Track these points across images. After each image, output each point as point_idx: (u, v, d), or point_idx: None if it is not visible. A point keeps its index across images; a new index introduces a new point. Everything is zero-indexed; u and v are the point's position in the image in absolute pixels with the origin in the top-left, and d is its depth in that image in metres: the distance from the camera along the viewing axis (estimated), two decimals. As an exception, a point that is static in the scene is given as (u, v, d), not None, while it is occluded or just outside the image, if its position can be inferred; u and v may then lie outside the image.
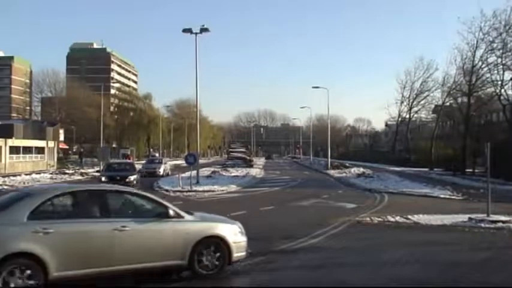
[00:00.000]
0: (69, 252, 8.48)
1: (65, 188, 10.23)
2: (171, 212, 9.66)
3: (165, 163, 51.99)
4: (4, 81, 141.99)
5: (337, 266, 11.29)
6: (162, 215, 9.59)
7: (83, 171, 50.73)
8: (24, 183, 36.12)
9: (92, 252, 8.71)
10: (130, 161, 51.68)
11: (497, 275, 10.40)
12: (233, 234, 10.20)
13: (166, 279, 9.70)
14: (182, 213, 9.93)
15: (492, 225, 16.39)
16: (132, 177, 29.58)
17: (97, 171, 42.99)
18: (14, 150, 55.11)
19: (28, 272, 8.02)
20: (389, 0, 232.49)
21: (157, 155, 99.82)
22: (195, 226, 9.95)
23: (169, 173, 47.42)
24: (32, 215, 8.42)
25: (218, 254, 9.84)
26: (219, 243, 9.91)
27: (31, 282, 8.00)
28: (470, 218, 17.32)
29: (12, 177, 39.27)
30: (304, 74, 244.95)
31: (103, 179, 29.07)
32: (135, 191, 11.01)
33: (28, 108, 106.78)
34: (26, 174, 43.33)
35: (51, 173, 46.45)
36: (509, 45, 46.94)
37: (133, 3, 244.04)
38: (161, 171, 45.38)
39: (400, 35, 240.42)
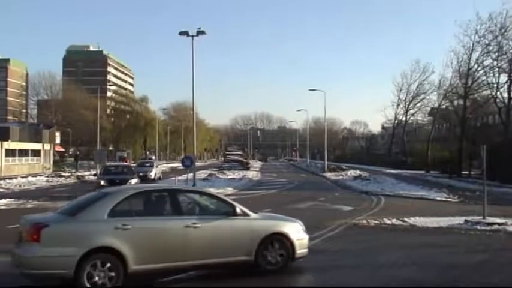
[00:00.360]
0: (146, 247, 9.07)
1: (140, 188, 11.23)
2: (238, 210, 10.23)
3: (157, 166, 49.00)
4: (0, 83, 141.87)
5: (335, 268, 11.31)
6: (230, 213, 10.17)
7: (79, 174, 50.63)
8: (20, 186, 36.10)
9: (166, 247, 9.30)
10: (128, 163, 49.84)
11: (494, 276, 10.42)
12: (296, 231, 10.66)
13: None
14: (248, 212, 10.46)
15: (488, 228, 16.43)
16: (132, 181, 27.91)
17: (94, 174, 42.58)
18: (10, 153, 54.95)
19: (108, 265, 8.62)
20: (386, 3, 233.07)
21: (153, 157, 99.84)
22: (260, 224, 10.47)
23: (161, 176, 45.83)
24: (111, 213, 9.11)
25: (282, 251, 10.28)
26: (283, 240, 10.34)
27: (112, 274, 8.61)
28: (466, 221, 17.35)
29: (8, 180, 39.18)
30: (300, 76, 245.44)
31: (102, 182, 27.52)
32: (203, 190, 12.05)
33: (24, 110, 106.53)
34: (22, 177, 43.21)
35: (47, 176, 46.36)
36: (504, 48, 47.25)
37: (129, 6, 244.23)
38: (152, 174, 42.99)
39: (397, 38, 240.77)
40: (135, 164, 52.30)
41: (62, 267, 8.43)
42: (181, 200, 10.11)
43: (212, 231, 9.80)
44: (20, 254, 8.69)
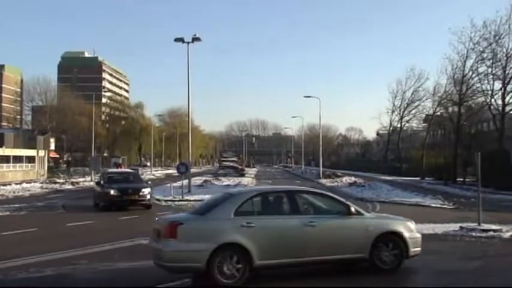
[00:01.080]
0: (268, 243, 9.78)
1: (260, 190, 12.03)
2: (352, 210, 10.70)
3: (142, 174, 43.76)
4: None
5: (331, 274, 11.25)
6: (344, 212, 10.65)
7: (73, 180, 50.45)
8: (14, 192, 35.94)
9: (286, 244, 9.97)
10: (132, 170, 42.26)
11: (489, 282, 10.43)
12: (409, 230, 11.03)
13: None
14: (362, 211, 11.02)
15: (483, 234, 16.43)
16: (146, 191, 25.05)
17: (97, 183, 41.14)
18: (4, 159, 54.79)
19: (236, 258, 9.45)
20: (381, 11, 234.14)
21: (148, 163, 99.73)
22: (374, 222, 10.88)
23: None
24: (237, 212, 9.95)
25: (396, 249, 10.63)
26: (396, 239, 10.71)
27: (239, 266, 9.43)
28: (461, 227, 17.35)
29: (2, 187, 38.99)
30: (296, 83, 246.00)
31: (112, 192, 24.21)
32: (319, 191, 12.27)
33: (19, 117, 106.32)
34: (16, 184, 43.03)
35: (41, 183, 46.19)
36: (499, 55, 47.30)
37: (125, 13, 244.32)
38: None
39: (392, 45, 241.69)
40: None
41: (195, 260, 9.37)
42: (298, 200, 10.72)
43: (328, 229, 10.35)
44: (160, 249, 9.64)
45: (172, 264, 9.53)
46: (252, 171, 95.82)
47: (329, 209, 10.81)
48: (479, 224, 17.33)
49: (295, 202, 10.58)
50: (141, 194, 24.87)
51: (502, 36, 46.66)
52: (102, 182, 26.35)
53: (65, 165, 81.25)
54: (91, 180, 50.58)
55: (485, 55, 48.81)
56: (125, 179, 27.47)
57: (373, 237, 10.46)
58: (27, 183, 44.89)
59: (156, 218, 11.06)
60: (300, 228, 10.06)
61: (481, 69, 49.81)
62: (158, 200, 30.25)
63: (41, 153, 63.55)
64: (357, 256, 10.49)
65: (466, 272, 11.34)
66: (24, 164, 59.10)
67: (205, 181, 47.60)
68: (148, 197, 24.94)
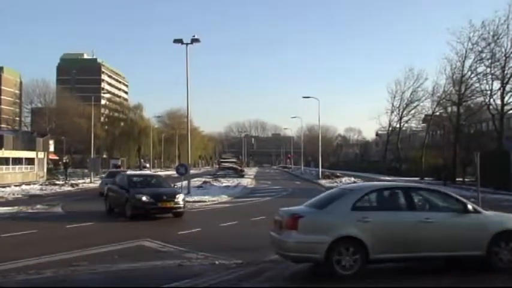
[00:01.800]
0: (384, 238, 10.14)
1: (377, 186, 12.23)
2: (469, 207, 10.83)
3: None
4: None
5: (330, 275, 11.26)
6: (460, 210, 10.80)
7: (73, 182, 50.38)
8: (13, 194, 35.90)
9: (402, 239, 10.26)
10: (155, 173, 38.96)
11: (490, 282, 10.44)
12: None
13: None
14: (479, 209, 11.16)
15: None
16: (180, 197, 22.10)
17: (91, 182, 40.55)
18: (4, 161, 54.70)
19: (352, 251, 9.90)
20: (380, 11, 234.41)
21: (148, 165, 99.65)
22: (492, 220, 10.91)
23: None
24: (354, 207, 10.39)
25: None
26: None
27: (356, 256, 9.88)
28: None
29: (1, 189, 38.96)
30: (295, 84, 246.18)
31: (144, 198, 20.89)
32: (435, 188, 12.45)
33: (18, 118, 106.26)
34: (16, 186, 43.01)
35: (40, 184, 46.14)
36: (497, 55, 47.35)
37: (124, 14, 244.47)
38: None
39: (392, 45, 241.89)
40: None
41: (314, 251, 9.95)
42: (414, 196, 10.98)
43: (445, 226, 10.48)
44: (281, 239, 10.37)
45: (293, 254, 10.26)
46: (251, 172, 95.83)
47: (445, 206, 11.01)
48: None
49: (411, 198, 10.85)
50: (176, 200, 21.59)
51: (500, 36, 46.77)
52: (123, 185, 22.85)
53: (62, 167, 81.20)
54: (90, 182, 50.60)
55: (484, 55, 48.91)
56: (151, 183, 23.97)
57: (491, 235, 10.47)
58: (26, 185, 44.83)
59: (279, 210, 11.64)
60: (416, 224, 10.30)
61: (479, 69, 49.93)
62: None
63: (40, 155, 63.48)
64: (472, 253, 10.55)
65: (467, 271, 11.33)
66: (23, 166, 58.99)
67: (204, 182, 47.61)
68: (182, 203, 21.85)
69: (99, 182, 41.25)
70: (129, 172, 31.19)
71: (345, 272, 9.83)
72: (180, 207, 21.63)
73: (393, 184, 12.32)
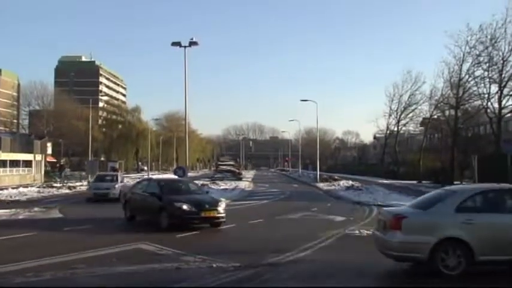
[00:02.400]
0: (489, 240, 10.27)
1: (481, 188, 12.33)
2: None
3: (122, 180, 36.91)
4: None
5: (328, 277, 11.27)
6: None
7: (70, 184, 50.31)
8: (11, 197, 35.84)
9: (507, 241, 10.32)
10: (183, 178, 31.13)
11: (490, 284, 10.48)
12: None
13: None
14: None
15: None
16: (222, 205, 19.45)
17: (88, 186, 37.82)
18: (1, 163, 54.72)
19: (457, 252, 10.17)
20: (378, 14, 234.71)
21: (145, 168, 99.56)
22: None
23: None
24: (458, 208, 10.56)
25: None
26: None
27: (460, 258, 10.14)
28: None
29: (-1, 191, 38.93)
30: (293, 87, 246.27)
31: (185, 207, 18.19)
32: None
33: (15, 121, 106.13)
34: (13, 188, 42.96)
35: (38, 187, 46.07)
36: (495, 59, 47.46)
37: (122, 16, 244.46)
38: (116, 192, 32.86)
39: (389, 49, 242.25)
40: (126, 175, 50.54)
41: (418, 251, 10.29)
42: None
43: None
44: (385, 239, 10.78)
45: (397, 254, 10.61)
46: (249, 174, 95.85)
47: None
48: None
49: None
50: (218, 209, 18.90)
51: (498, 40, 46.90)
52: (153, 191, 20.14)
53: (57, 170, 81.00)
54: (88, 185, 50.43)
55: (481, 59, 49.01)
56: (183, 189, 21.30)
57: None
58: (24, 187, 44.79)
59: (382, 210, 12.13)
60: None
61: (477, 73, 50.04)
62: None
63: (38, 157, 63.47)
64: None
65: (466, 275, 11.34)
66: (21, 169, 59.02)
67: (202, 185, 47.54)
68: (224, 213, 19.10)
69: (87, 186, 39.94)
70: (156, 177, 26.57)
71: (450, 272, 10.13)
72: (222, 217, 18.85)
73: (498, 186, 12.19)
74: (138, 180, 25.80)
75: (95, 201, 32.08)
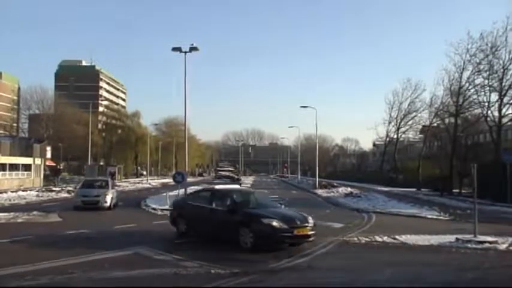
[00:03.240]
0: None
1: None
2: None
3: (113, 187, 33.14)
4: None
5: (326, 284, 11.26)
6: None
7: (69, 189, 50.17)
8: (10, 200, 35.82)
9: None
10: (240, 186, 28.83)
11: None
12: None
13: None
14: None
15: (479, 246, 16.43)
16: (311, 220, 16.26)
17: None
18: (1, 167, 54.72)
19: None
20: (378, 21, 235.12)
21: (144, 172, 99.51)
22: None
23: (117, 202, 32.27)
24: None
25: None
26: None
27: None
28: (457, 239, 17.36)
29: (-3, 195, 38.90)
30: (292, 93, 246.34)
31: (274, 223, 15.14)
32: None
33: (15, 125, 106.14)
34: (12, 192, 42.92)
35: (37, 191, 46.01)
36: (495, 67, 47.58)
37: (122, 22, 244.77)
38: (108, 201, 29.84)
39: (390, 56, 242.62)
40: (126, 179, 50.25)
41: None
42: None
43: None
44: None
45: None
46: (248, 180, 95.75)
47: None
48: (475, 236, 17.33)
49: None
50: (310, 225, 16.01)
51: (498, 48, 47.07)
52: (221, 203, 17.26)
53: (65, 174, 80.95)
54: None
55: (482, 67, 49.15)
56: (259, 202, 18.21)
57: None
58: (23, 191, 44.75)
59: None
60: None
61: (477, 81, 50.19)
62: (154, 209, 30.27)
63: (38, 161, 63.44)
64: None
65: (461, 284, 11.33)
66: (20, 172, 59.01)
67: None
68: (314, 230, 16.17)
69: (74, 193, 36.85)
70: (221, 187, 20.79)
71: None
72: (314, 235, 16.01)
73: None
74: (195, 189, 22.55)
75: (83, 209, 28.82)
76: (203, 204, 17.82)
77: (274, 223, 15.16)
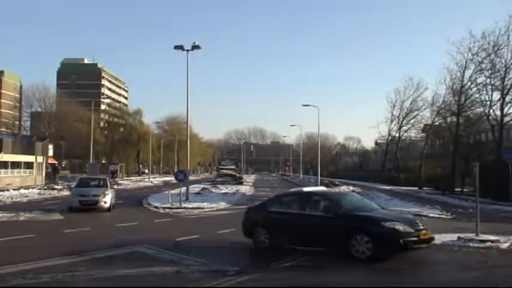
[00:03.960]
0: None
1: None
2: None
3: (111, 186, 31.81)
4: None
5: (327, 283, 11.25)
6: None
7: (72, 186, 50.07)
8: (12, 198, 35.88)
9: None
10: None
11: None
12: None
13: None
14: None
15: (481, 245, 16.39)
16: (420, 221, 14.92)
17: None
18: (3, 165, 54.78)
19: None
20: (380, 20, 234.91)
21: (146, 171, 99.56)
22: None
23: (114, 204, 29.14)
24: None
25: None
26: None
27: None
28: (459, 237, 17.32)
29: (0, 192, 38.92)
30: (294, 92, 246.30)
31: (398, 227, 13.42)
32: None
33: (17, 122, 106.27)
34: (14, 190, 42.98)
35: (39, 189, 46.07)
36: (497, 66, 47.43)
37: (125, 20, 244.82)
38: (107, 201, 27.58)
39: (392, 55, 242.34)
40: (127, 178, 50.27)
41: None
42: None
43: None
44: None
45: None
46: (250, 179, 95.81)
47: None
48: (477, 235, 17.30)
49: None
50: (427, 228, 14.38)
51: (500, 47, 46.86)
52: (319, 207, 14.87)
53: (66, 172, 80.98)
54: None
55: (484, 66, 49.00)
56: (361, 204, 15.68)
57: None
58: (25, 189, 44.81)
59: None
60: None
61: (479, 80, 49.99)
62: (156, 207, 30.31)
63: (39, 159, 63.49)
64: None
65: (463, 283, 11.32)
66: (22, 170, 59.09)
67: (203, 189, 47.58)
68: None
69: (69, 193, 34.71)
70: (311, 189, 18.28)
71: None
72: (433, 238, 14.51)
73: None
74: (279, 194, 19.40)
75: (80, 210, 26.68)
76: (292, 210, 15.25)
77: (398, 226, 13.37)
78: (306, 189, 17.82)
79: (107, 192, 27.92)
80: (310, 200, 15.33)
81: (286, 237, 14.90)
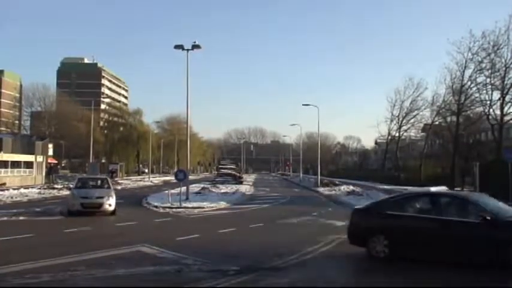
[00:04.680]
0: None
1: None
2: None
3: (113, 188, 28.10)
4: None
5: (329, 283, 11.26)
6: None
7: (71, 186, 49.99)
8: (12, 198, 35.86)
9: None
10: None
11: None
12: None
13: None
14: None
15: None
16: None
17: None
18: (3, 164, 54.74)
19: None
20: (380, 20, 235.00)
21: (146, 170, 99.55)
22: None
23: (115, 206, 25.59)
24: None
25: None
26: None
27: None
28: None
29: (0, 192, 38.92)
30: (294, 91, 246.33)
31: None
32: None
33: (17, 122, 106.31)
34: (14, 189, 42.93)
35: (39, 188, 46.03)
36: (497, 66, 47.39)
37: (125, 19, 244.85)
38: (112, 203, 25.13)
39: (391, 55, 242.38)
40: (127, 177, 49.97)
41: None
42: None
43: None
44: None
45: None
46: (250, 178, 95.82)
47: None
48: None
49: None
50: None
51: (500, 47, 46.81)
52: (462, 213, 12.77)
53: (66, 171, 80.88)
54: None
55: (484, 65, 48.96)
56: (497, 206, 13.65)
57: None
58: (25, 188, 44.76)
59: None
60: None
61: (479, 79, 49.95)
62: (156, 207, 30.30)
63: (39, 158, 63.46)
64: None
65: (466, 282, 11.33)
66: (22, 170, 59.06)
67: (203, 188, 47.55)
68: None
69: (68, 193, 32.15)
70: (439, 189, 16.02)
71: None
72: None
73: None
74: (393, 195, 17.05)
75: (80, 214, 24.23)
76: (422, 215, 13.16)
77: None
78: (433, 189, 15.74)
79: (111, 194, 25.64)
80: (444, 203, 13.37)
81: (414, 248, 12.86)
